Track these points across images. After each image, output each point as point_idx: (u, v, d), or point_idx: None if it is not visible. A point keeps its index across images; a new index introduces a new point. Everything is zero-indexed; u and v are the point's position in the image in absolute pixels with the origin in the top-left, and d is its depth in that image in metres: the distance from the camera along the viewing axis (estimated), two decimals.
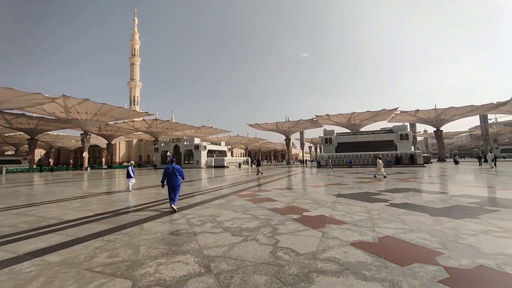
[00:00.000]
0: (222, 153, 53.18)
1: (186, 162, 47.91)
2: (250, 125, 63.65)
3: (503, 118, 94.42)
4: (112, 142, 65.16)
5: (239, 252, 3.54)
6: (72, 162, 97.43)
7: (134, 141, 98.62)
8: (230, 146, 58.38)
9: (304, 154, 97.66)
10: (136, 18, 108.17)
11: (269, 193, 9.59)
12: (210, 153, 49.79)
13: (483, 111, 45.46)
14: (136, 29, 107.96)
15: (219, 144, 53.99)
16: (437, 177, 15.74)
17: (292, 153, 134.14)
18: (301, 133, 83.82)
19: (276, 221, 5.20)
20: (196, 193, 10.21)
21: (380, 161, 15.56)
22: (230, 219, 5.55)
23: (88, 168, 49.06)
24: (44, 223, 5.68)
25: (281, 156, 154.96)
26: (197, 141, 47.17)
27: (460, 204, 6.55)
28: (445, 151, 62.01)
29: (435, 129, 52.96)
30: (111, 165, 62.22)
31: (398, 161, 28.24)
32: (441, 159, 52.26)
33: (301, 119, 58.64)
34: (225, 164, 45.05)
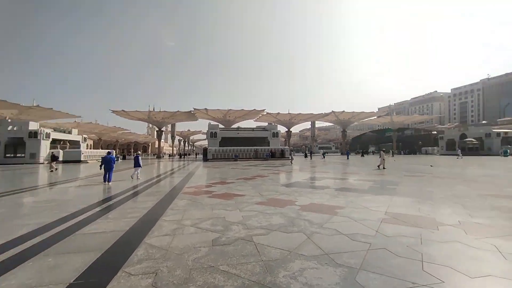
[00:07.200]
0: (75, 144, 41.04)
1: (10, 155, 33.09)
2: (114, 112, 52.93)
3: (318, 124, 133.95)
4: None
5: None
6: None
7: None
8: (86, 136, 46.00)
9: (173, 148, 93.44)
10: None
11: (242, 188, 9.05)
12: (54, 143, 37.06)
13: (316, 118, 63.25)
14: None
15: (70, 132, 41.19)
16: (342, 167, 20.49)
17: (156, 146, 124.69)
18: (173, 126, 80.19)
19: (346, 223, 4.54)
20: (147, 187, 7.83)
21: (383, 153, 17.77)
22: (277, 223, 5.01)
23: None
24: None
25: (143, 149, 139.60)
26: (33, 125, 33.67)
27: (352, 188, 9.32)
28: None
29: (286, 129, 67.02)
30: None
31: (273, 155, 33.83)
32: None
33: (178, 110, 55.85)
34: (82, 158, 35.20)
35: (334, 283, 2.52)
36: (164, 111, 57.05)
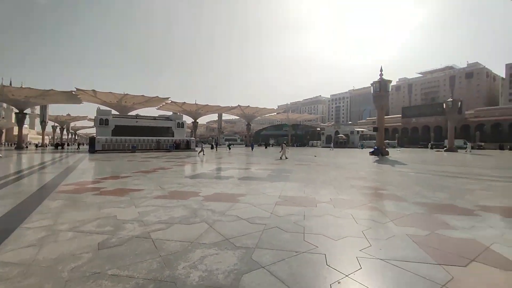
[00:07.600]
0: None
1: None
2: None
3: (225, 117, 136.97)
4: None
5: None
6: None
7: None
8: None
9: (43, 136, 73.88)
10: None
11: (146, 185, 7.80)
12: None
13: (223, 110, 64.47)
14: None
15: None
16: (246, 157, 20.85)
17: (15, 133, 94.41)
18: (45, 108, 63.83)
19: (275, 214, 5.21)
20: None
21: (284, 145, 19.97)
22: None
23: None
24: None
25: None
26: None
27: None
28: None
29: (193, 120, 65.03)
30: None
31: (177, 146, 32.06)
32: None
33: (52, 89, 44.03)
34: None
35: (233, 264, 2.68)
36: (29, 88, 43.70)
